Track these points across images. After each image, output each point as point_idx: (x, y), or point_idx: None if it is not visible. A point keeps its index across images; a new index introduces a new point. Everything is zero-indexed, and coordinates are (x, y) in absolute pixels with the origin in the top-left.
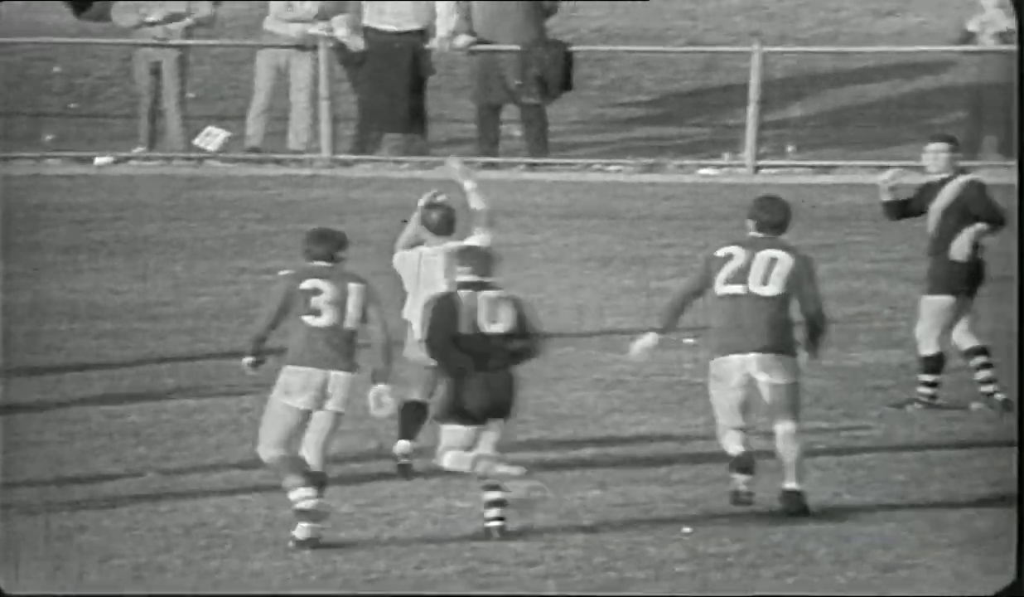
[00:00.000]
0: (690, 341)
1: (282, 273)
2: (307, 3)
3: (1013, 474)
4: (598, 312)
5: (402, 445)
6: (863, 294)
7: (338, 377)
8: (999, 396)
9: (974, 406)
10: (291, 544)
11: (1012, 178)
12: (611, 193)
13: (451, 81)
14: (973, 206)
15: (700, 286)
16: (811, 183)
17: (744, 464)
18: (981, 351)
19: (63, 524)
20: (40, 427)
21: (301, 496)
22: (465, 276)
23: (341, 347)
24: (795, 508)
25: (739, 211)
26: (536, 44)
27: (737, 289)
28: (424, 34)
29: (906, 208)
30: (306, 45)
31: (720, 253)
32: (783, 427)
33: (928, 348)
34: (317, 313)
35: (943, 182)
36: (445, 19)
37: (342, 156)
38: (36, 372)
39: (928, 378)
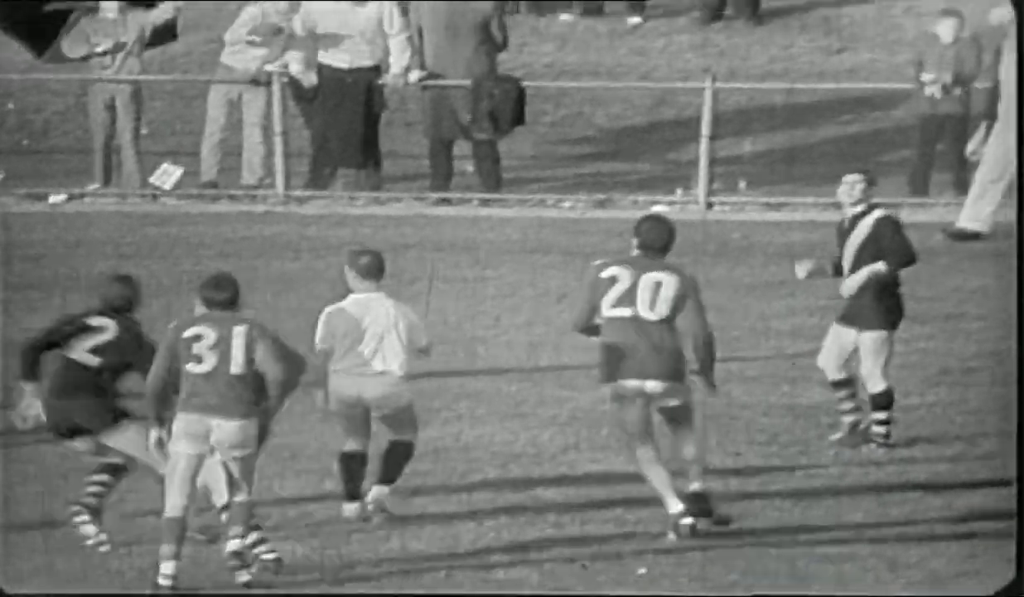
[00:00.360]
0: None
1: (170, 325)
2: (263, 38)
3: (1012, 474)
4: (553, 348)
5: (350, 509)
6: (816, 331)
7: (221, 425)
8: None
9: (864, 450)
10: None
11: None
12: (564, 229)
13: (403, 116)
14: (884, 242)
15: (590, 308)
16: (764, 220)
17: (697, 507)
18: (848, 383)
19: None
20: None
21: (235, 543)
22: None
23: (226, 393)
24: (699, 511)
25: (691, 247)
26: (488, 79)
27: (624, 312)
28: (377, 70)
29: (836, 269)
30: (260, 80)
31: (604, 275)
32: (687, 451)
33: (876, 386)
34: (199, 360)
35: (856, 218)
36: (399, 56)
37: (296, 192)
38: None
39: (880, 416)
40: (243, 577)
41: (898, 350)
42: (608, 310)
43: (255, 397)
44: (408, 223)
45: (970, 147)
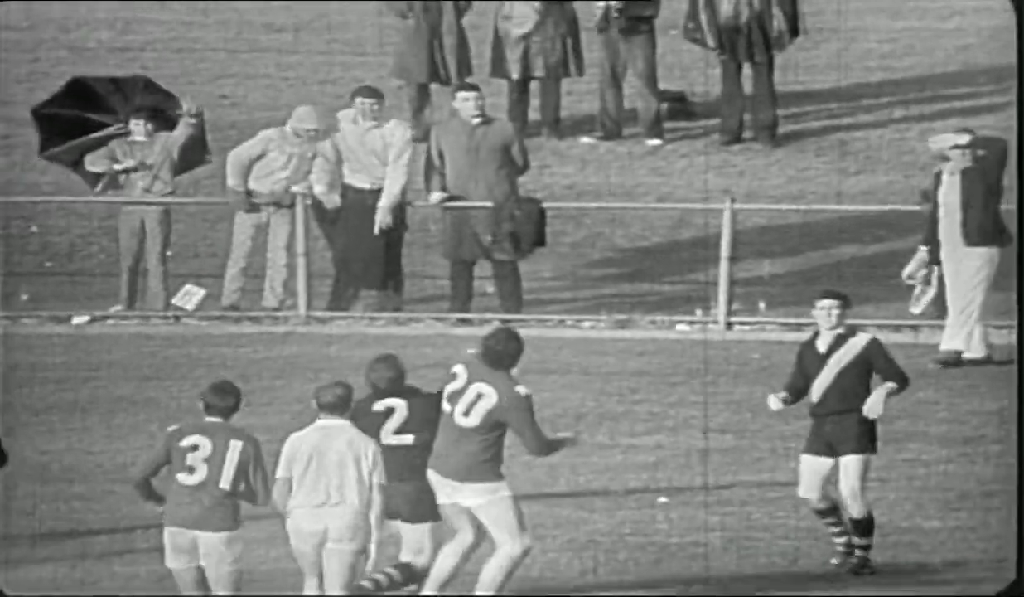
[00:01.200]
0: (663, 500)
1: (169, 429)
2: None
3: (1013, 474)
4: (571, 469)
5: None
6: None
7: (208, 538)
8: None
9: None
10: None
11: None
12: (584, 349)
13: (424, 237)
14: (879, 363)
15: None
16: (783, 340)
17: None
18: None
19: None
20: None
21: None
22: None
23: (212, 506)
24: None
25: (711, 367)
26: (509, 200)
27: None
28: (399, 191)
29: (798, 397)
30: (283, 202)
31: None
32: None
33: (859, 511)
34: (191, 470)
35: (839, 339)
36: (392, 183)
37: (317, 313)
38: (8, 538)
39: (863, 542)
40: None
41: (918, 473)
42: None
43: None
44: (429, 343)
45: (907, 270)
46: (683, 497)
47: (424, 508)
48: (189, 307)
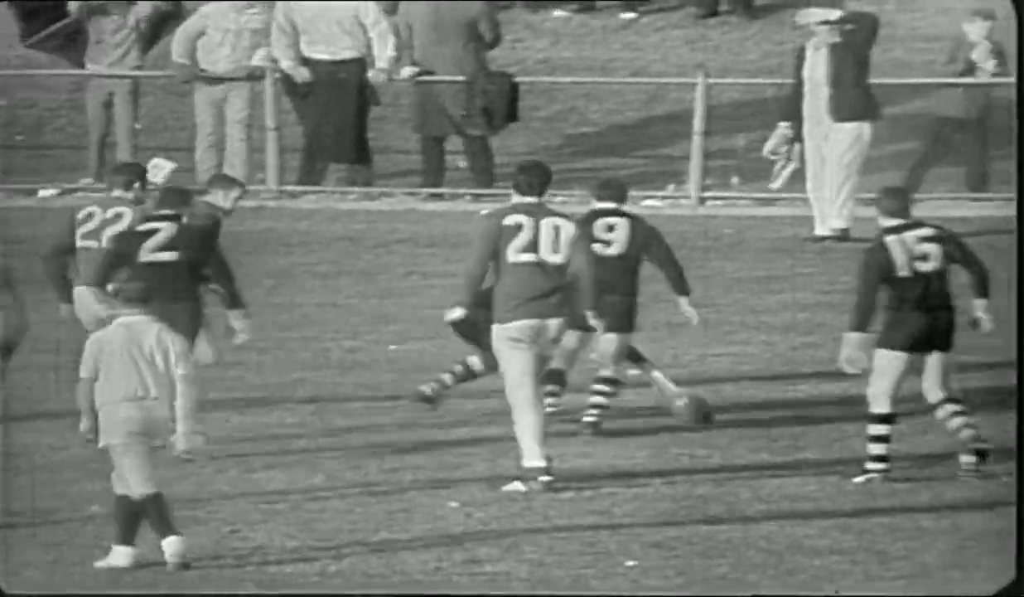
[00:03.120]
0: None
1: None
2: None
3: (1013, 474)
4: None
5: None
6: (808, 326)
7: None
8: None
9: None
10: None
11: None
12: None
13: (397, 112)
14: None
15: (489, 255)
16: (756, 215)
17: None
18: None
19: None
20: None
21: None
22: None
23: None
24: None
25: (684, 242)
26: (481, 75)
27: (529, 257)
28: (363, 63)
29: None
30: (253, 75)
31: (509, 222)
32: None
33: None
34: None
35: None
36: (382, 47)
37: (288, 187)
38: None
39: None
40: None
41: None
42: (514, 256)
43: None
44: (400, 218)
45: (768, 146)
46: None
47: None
48: (158, 180)
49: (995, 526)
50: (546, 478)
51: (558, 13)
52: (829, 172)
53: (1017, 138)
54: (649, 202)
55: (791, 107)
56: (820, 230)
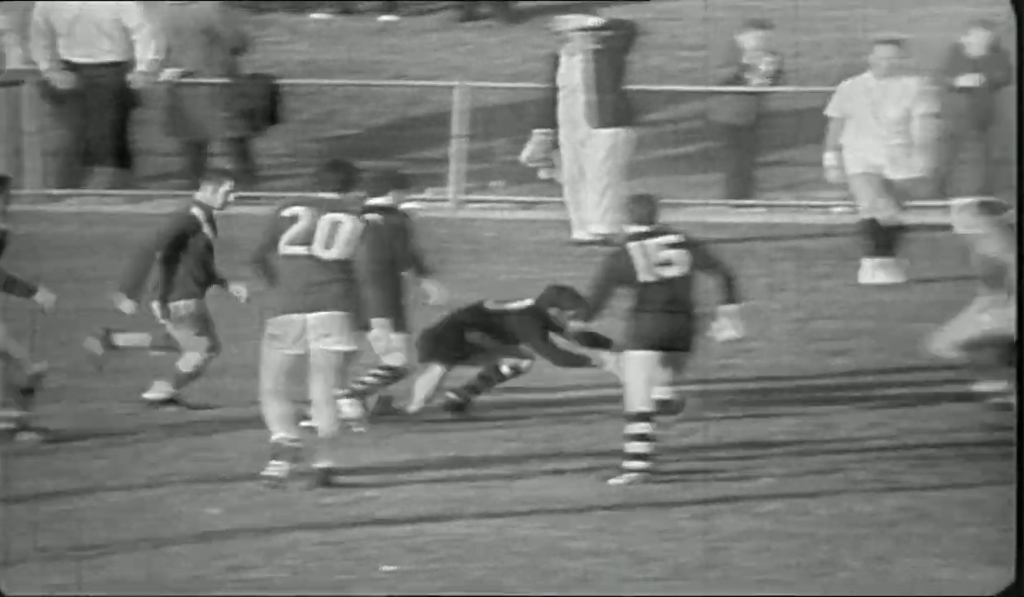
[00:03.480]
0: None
1: None
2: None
3: (1013, 474)
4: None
5: None
6: None
7: None
8: None
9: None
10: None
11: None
12: None
13: (159, 114)
14: None
15: (269, 245)
16: (517, 218)
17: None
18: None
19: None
20: None
21: None
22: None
23: None
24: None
25: (444, 245)
26: (241, 77)
27: (300, 250)
28: (124, 66)
29: None
30: (13, 81)
31: (286, 213)
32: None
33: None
34: None
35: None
36: (143, 51)
37: (49, 191)
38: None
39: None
40: None
41: None
42: (285, 248)
43: None
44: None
45: (526, 153)
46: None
47: None
48: None
49: (995, 526)
50: (272, 472)
51: (318, 16)
52: (589, 178)
53: (1017, 140)
54: (408, 205)
55: (547, 113)
56: (578, 234)
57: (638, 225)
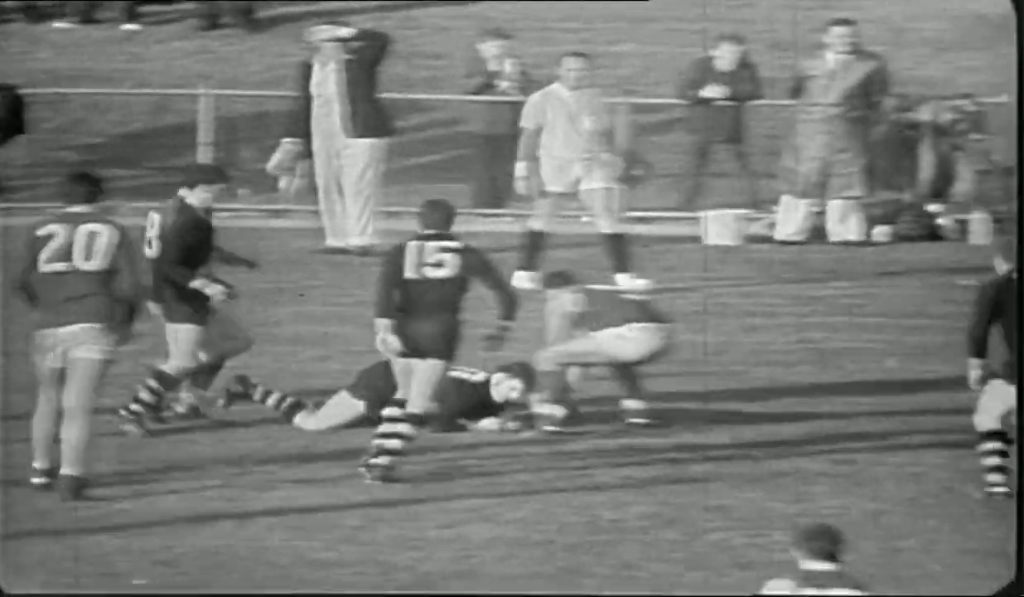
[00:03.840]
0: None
1: None
2: None
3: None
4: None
5: None
6: (320, 338)
7: None
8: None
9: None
10: None
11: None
12: None
13: None
14: None
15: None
16: (266, 227)
17: None
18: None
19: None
20: None
21: None
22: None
23: None
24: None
25: None
26: None
27: (60, 266)
28: None
29: None
30: None
31: (41, 232)
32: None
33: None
34: None
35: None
36: None
37: None
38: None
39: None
40: None
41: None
42: (44, 265)
43: None
44: None
45: (272, 162)
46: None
47: None
48: None
49: (995, 526)
50: (39, 480)
51: (60, 25)
52: (347, 188)
53: (1018, 140)
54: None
55: (298, 122)
56: (332, 242)
57: (428, 229)
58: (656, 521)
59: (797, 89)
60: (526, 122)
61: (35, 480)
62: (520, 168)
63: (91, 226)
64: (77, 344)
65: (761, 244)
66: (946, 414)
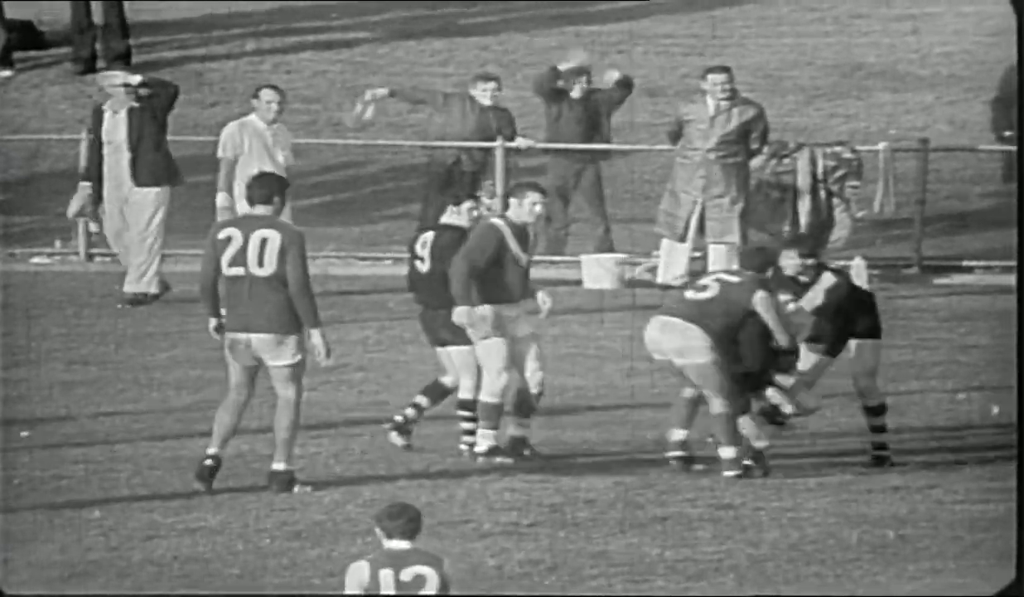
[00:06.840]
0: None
1: None
2: None
3: (1013, 476)
4: None
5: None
6: (200, 383)
7: None
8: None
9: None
10: None
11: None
12: None
13: None
14: None
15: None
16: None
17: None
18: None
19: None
20: None
21: None
22: None
23: None
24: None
25: (74, 299)
26: None
27: (238, 271)
28: None
29: None
30: None
31: (221, 236)
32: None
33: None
34: None
35: None
36: None
37: None
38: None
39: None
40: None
41: None
42: (226, 269)
43: None
44: None
45: (72, 209)
46: (46, 428)
47: None
48: None
49: (995, 526)
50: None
51: None
52: (135, 236)
53: (1018, 141)
54: (37, 260)
55: (92, 168)
56: (129, 288)
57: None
58: (538, 567)
59: (675, 134)
60: (223, 152)
61: (206, 463)
62: (221, 198)
63: (263, 232)
64: (269, 353)
65: (642, 288)
66: (829, 456)
